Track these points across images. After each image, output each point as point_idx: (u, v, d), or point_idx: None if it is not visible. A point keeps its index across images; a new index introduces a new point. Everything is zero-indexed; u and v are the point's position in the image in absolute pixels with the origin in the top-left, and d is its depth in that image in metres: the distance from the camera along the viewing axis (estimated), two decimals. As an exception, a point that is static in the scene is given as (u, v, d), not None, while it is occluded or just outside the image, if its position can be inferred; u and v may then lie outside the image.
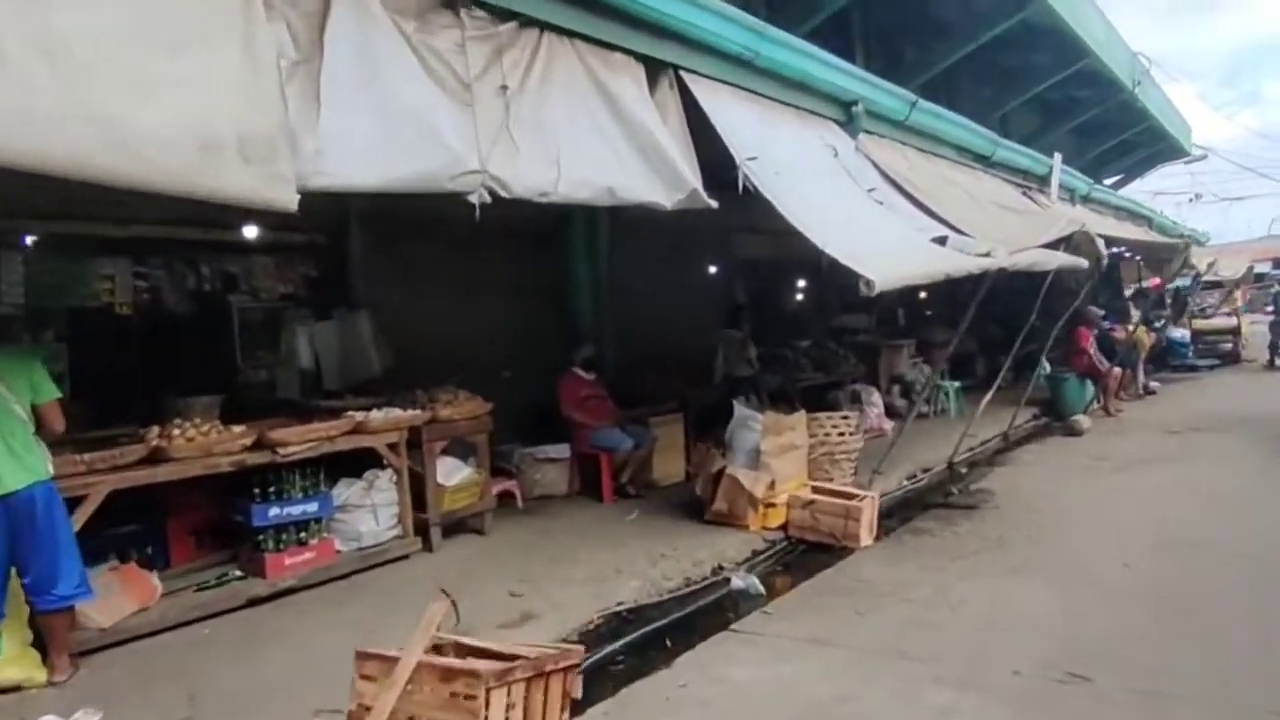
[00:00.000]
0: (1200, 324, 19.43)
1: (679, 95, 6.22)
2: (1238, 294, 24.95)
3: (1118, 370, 13.13)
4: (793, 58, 7.16)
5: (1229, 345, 18.95)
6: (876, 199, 7.31)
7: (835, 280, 13.71)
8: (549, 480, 8.36)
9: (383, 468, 6.34)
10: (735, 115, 6.52)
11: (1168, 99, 23.31)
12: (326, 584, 5.83)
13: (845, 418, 7.74)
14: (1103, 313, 13.59)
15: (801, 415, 7.28)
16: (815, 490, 7.12)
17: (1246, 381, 15.86)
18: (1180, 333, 18.22)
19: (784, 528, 6.94)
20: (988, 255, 6.80)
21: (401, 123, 4.35)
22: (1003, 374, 10.41)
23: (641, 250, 10.26)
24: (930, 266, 6.30)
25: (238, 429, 5.53)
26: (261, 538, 5.63)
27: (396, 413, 6.42)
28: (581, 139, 5.36)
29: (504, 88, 4.94)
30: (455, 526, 6.89)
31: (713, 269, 12.01)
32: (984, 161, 11.08)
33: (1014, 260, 7.05)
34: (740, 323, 10.77)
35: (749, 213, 6.43)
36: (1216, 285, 20.78)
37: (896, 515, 7.71)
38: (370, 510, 6.20)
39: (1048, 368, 13.69)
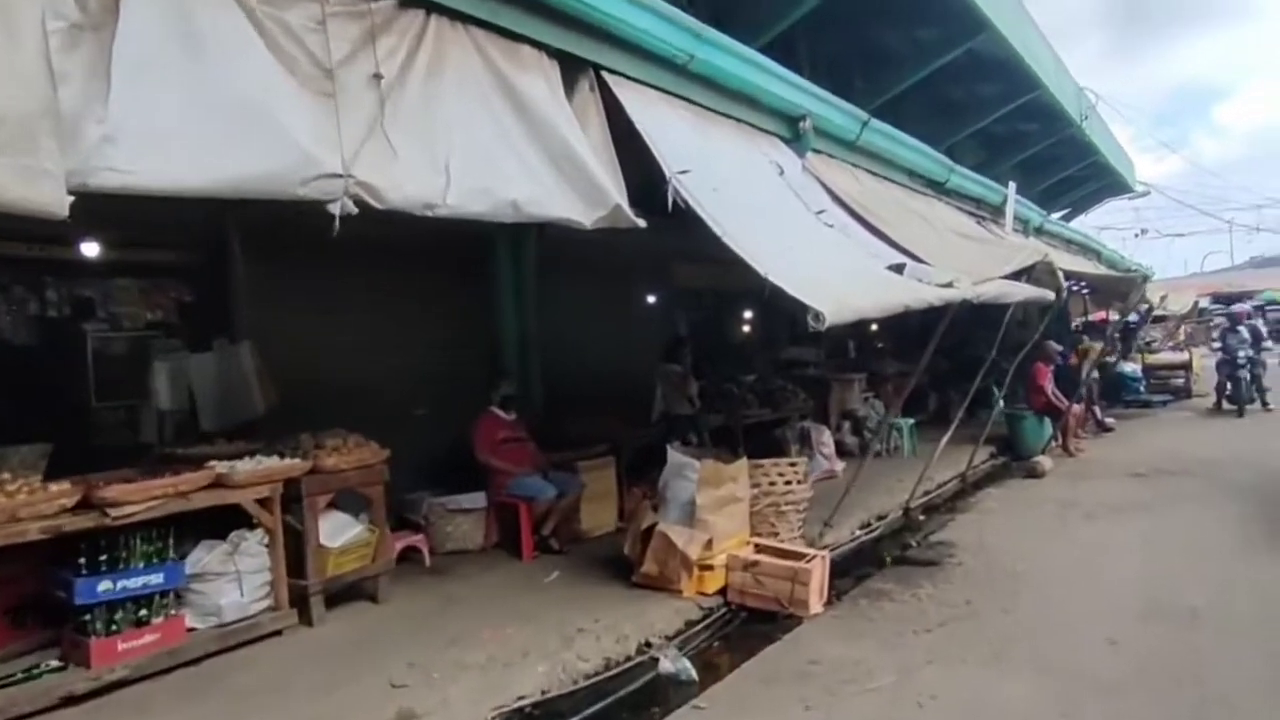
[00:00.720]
0: (1152, 359, 18.94)
1: (601, 99, 5.36)
2: (1182, 329, 24.75)
3: (1077, 408, 12.45)
4: (733, 64, 6.33)
5: (1180, 380, 18.45)
6: (826, 222, 6.49)
7: (782, 310, 13.01)
8: (462, 533, 7.36)
9: (252, 527, 5.30)
10: (666, 124, 5.67)
11: (1112, 135, 23.14)
12: (174, 671, 4.77)
13: (793, 464, 6.84)
14: (1060, 348, 12.91)
15: (743, 464, 6.37)
16: (759, 549, 6.21)
17: (1202, 419, 15.25)
18: (1131, 367, 17.68)
19: (723, 592, 6.01)
20: (950, 286, 5.99)
21: (232, 111, 3.42)
22: (962, 410, 9.63)
23: (574, 278, 9.36)
24: (887, 298, 5.46)
25: (57, 486, 4.48)
26: (88, 618, 4.57)
27: (270, 462, 5.40)
28: (479, 144, 4.46)
29: (377, 77, 4.02)
30: (344, 593, 5.86)
31: (652, 299, 11.10)
32: (937, 188, 10.38)
33: (979, 292, 6.25)
34: (681, 357, 9.87)
35: (690, 239, 5.57)
36: (1160, 320, 20.40)
37: (850, 573, 6.84)
38: (234, 579, 5.16)
39: (1001, 403, 13.01)
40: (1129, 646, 4.93)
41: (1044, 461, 10.57)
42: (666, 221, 5.26)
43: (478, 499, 7.39)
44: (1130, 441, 12.72)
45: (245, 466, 5.25)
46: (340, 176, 3.69)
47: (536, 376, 8.87)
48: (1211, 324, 36.09)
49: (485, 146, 4.48)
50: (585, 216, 4.93)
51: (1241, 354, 15.05)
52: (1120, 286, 11.62)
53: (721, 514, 6.06)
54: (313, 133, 3.65)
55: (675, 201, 5.17)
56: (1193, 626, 5.20)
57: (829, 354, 13.83)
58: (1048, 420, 12.07)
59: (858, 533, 8.00)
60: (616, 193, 5.06)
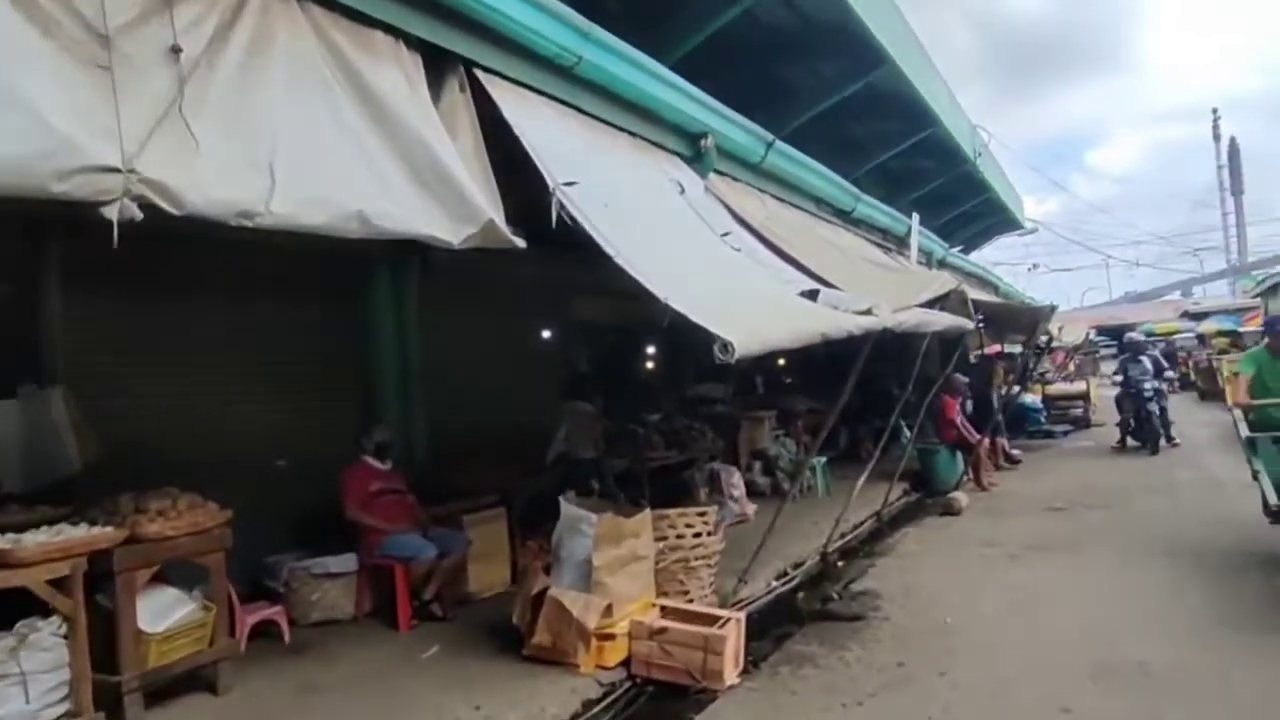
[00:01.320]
0: (1052, 389, 18.98)
1: (473, 101, 4.58)
2: (1071, 361, 25.15)
3: (988, 441, 12.10)
4: (627, 70, 5.65)
5: (1080, 410, 18.50)
6: (732, 245, 5.83)
7: (689, 345, 12.37)
8: (330, 601, 6.36)
9: (47, 615, 4.26)
10: (551, 132, 4.94)
11: (1003, 173, 23.51)
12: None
13: (702, 514, 6.08)
14: (966, 380, 12.58)
15: (646, 516, 5.58)
16: (666, 612, 5.42)
17: (1106, 450, 15.10)
18: (1032, 398, 17.61)
19: (627, 664, 5.19)
20: (869, 313, 5.37)
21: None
22: (879, 448, 9.07)
23: (463, 310, 8.51)
24: (803, 326, 4.80)
25: None
26: None
27: (72, 532, 4.37)
28: (316, 143, 3.63)
29: (175, 51, 3.16)
30: (174, 686, 4.83)
31: (550, 334, 10.27)
32: (844, 217, 9.94)
33: (899, 320, 5.66)
34: (588, 394, 9.08)
35: (589, 269, 4.83)
36: (1050, 352, 20.55)
37: (769, 632, 6.12)
38: (18, 681, 4.09)
39: (907, 435, 12.60)
40: (1082, 714, 4.29)
41: (960, 498, 10.10)
42: (561, 249, 4.52)
43: (348, 561, 6.41)
44: (1040, 474, 12.42)
45: (36, 539, 4.21)
46: (117, 171, 2.82)
47: (420, 420, 7.94)
48: (1099, 355, 37.24)
49: (324, 146, 3.65)
50: (452, 234, 4.12)
51: (1147, 385, 13.89)
52: (1025, 318, 11.38)
53: (622, 574, 5.26)
54: (76, 113, 2.79)
55: (561, 218, 4.40)
56: (1150, 688, 4.61)
57: (737, 391, 13.21)
58: (959, 454, 11.67)
59: (774, 584, 7.29)
60: (490, 207, 4.27)
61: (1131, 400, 14.25)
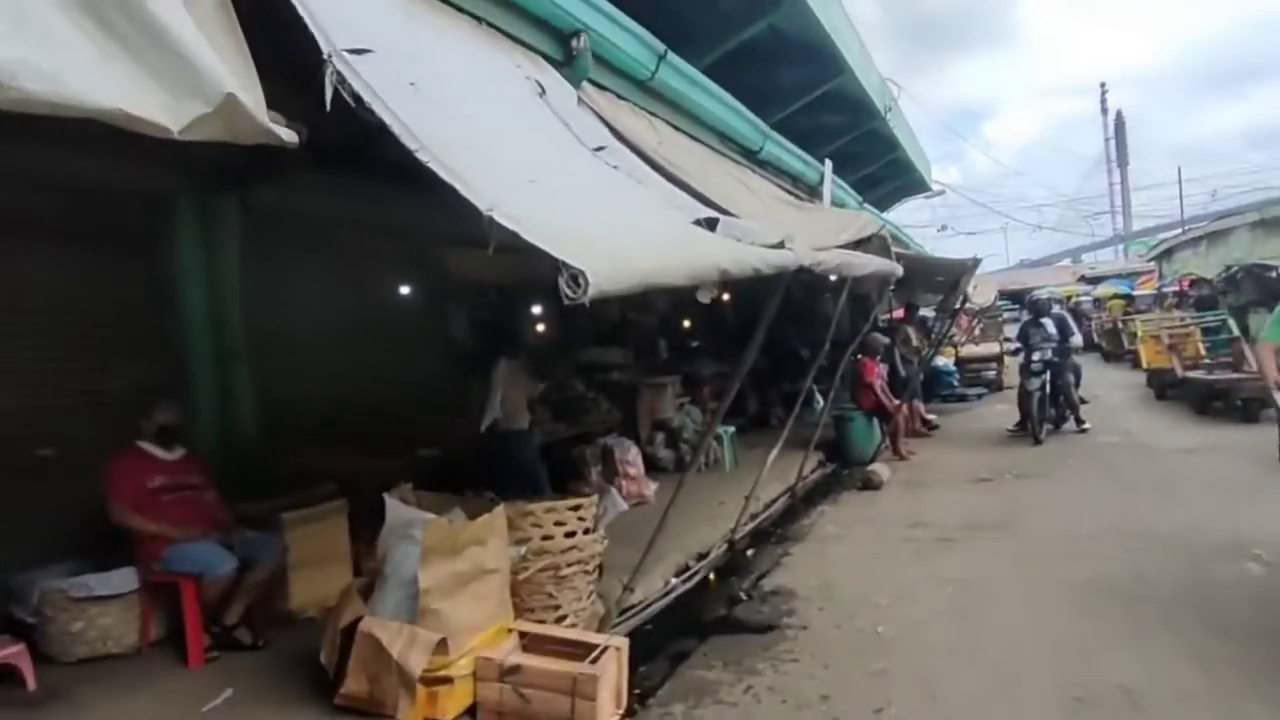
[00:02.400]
0: (965, 352, 18.24)
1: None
2: (977, 324, 24.66)
3: (905, 407, 11.07)
4: (465, -73, 4.18)
5: (993, 373, 17.80)
6: (609, 162, 4.45)
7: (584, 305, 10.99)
8: (101, 631, 4.83)
9: None
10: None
11: (912, 132, 22.68)
12: None
13: (576, 507, 4.74)
14: (888, 340, 11.53)
15: (496, 515, 4.19)
16: (526, 641, 4.08)
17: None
18: (944, 361, 16.79)
19: (473, 712, 3.85)
20: (781, 247, 4.08)
21: None
22: (793, 416, 7.88)
23: (301, 264, 6.96)
24: (696, 259, 3.47)
25: None
26: None
27: None
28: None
29: None
30: None
31: (416, 294, 8.74)
32: (751, 157, 8.65)
33: (819, 259, 4.40)
34: (517, 350, 7.63)
35: (462, 217, 3.44)
36: (955, 314, 19.84)
37: (662, 649, 4.87)
38: None
39: (820, 400, 11.52)
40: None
41: (880, 470, 9.00)
42: (422, 191, 3.08)
43: (125, 579, 4.89)
44: (959, 440, 11.48)
45: None
46: None
47: (243, 395, 6.39)
48: (1001, 319, 37.23)
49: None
50: (168, 115, 2.62)
51: (1038, 356, 10.80)
52: (948, 273, 10.34)
53: (463, 596, 3.89)
54: None
55: (344, 95, 2.95)
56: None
57: (638, 355, 11.89)
58: (876, 421, 10.63)
59: (673, 582, 6.04)
60: (232, 78, 2.78)
61: (1029, 374, 11.05)
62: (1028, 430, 10.78)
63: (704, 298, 10.19)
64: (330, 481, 6.06)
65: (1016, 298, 41.04)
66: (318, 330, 7.12)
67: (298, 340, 6.95)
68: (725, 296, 14.54)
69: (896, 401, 10.61)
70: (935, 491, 8.33)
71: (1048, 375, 10.72)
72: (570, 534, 4.66)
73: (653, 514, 7.53)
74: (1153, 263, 35.31)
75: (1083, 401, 11.59)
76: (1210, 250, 25.33)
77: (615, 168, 4.42)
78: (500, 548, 4.13)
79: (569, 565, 4.63)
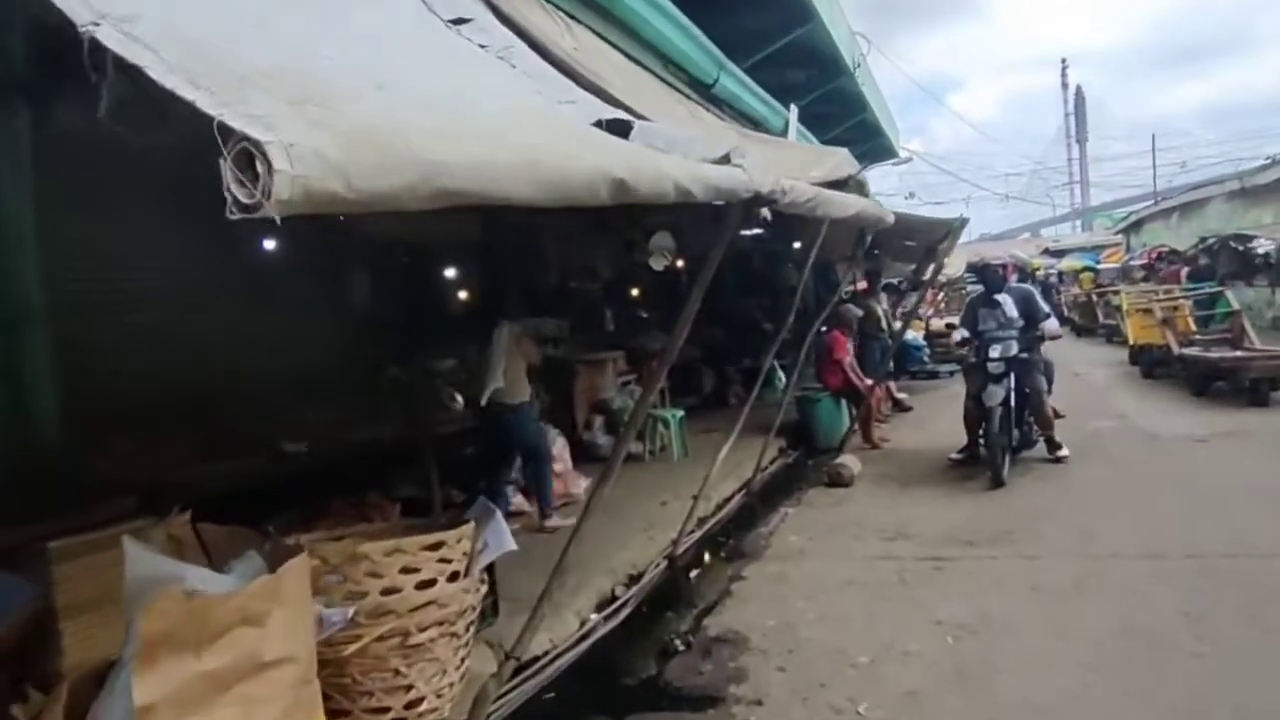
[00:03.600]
0: (935, 326, 16.98)
1: None
2: (943, 298, 23.48)
3: (878, 388, 9.75)
4: None
5: (965, 348, 16.54)
6: (473, 40, 2.95)
7: (520, 267, 9.52)
8: None
9: None
10: None
11: (880, 93, 21.31)
12: None
13: (437, 545, 3.27)
14: (861, 312, 10.17)
15: (287, 573, 2.71)
16: (331, 763, 2.64)
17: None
18: (914, 335, 15.47)
19: None
20: (728, 162, 2.64)
21: None
22: (753, 396, 6.53)
23: (127, 207, 5.37)
24: (566, 160, 1.99)
25: None
26: None
27: None
28: None
29: None
30: None
31: (300, 253, 7.13)
32: (702, 92, 7.17)
33: (785, 187, 2.97)
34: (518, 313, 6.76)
35: None
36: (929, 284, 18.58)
37: (560, 736, 3.44)
38: None
39: (782, 378, 10.19)
40: None
41: (850, 463, 7.63)
42: None
43: None
44: (934, 424, 10.12)
45: None
46: None
47: (40, 375, 4.82)
48: (966, 291, 36.08)
49: None
50: None
51: (997, 352, 7.22)
52: (932, 233, 8.98)
53: (219, 710, 2.43)
54: None
55: None
56: None
57: (579, 328, 10.40)
58: (845, 403, 9.29)
59: (592, 619, 4.64)
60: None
61: (978, 378, 7.44)
62: (979, 459, 7.43)
63: (656, 264, 8.63)
64: (152, 490, 4.57)
65: (979, 271, 40.08)
66: (152, 291, 5.58)
67: (123, 302, 5.41)
68: (680, 263, 13.13)
69: (869, 381, 9.28)
70: (915, 490, 6.99)
71: (1011, 380, 7.12)
72: (426, 584, 3.21)
73: (570, 534, 6.18)
74: (1119, 235, 34.48)
75: (1058, 416, 7.75)
76: (1182, 222, 24.40)
77: (483, 47, 2.95)
78: (294, 622, 2.66)
79: (424, 628, 3.19)
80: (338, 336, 7.23)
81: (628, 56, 5.79)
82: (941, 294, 22.57)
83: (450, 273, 8.89)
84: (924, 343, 15.80)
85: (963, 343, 8.00)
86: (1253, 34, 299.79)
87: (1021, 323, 7.27)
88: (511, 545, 3.52)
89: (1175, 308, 12.18)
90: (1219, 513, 5.58)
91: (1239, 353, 9.88)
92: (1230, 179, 21.18)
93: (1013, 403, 7.17)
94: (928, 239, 9.48)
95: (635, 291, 11.96)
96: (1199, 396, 10.10)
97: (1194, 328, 11.83)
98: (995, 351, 7.13)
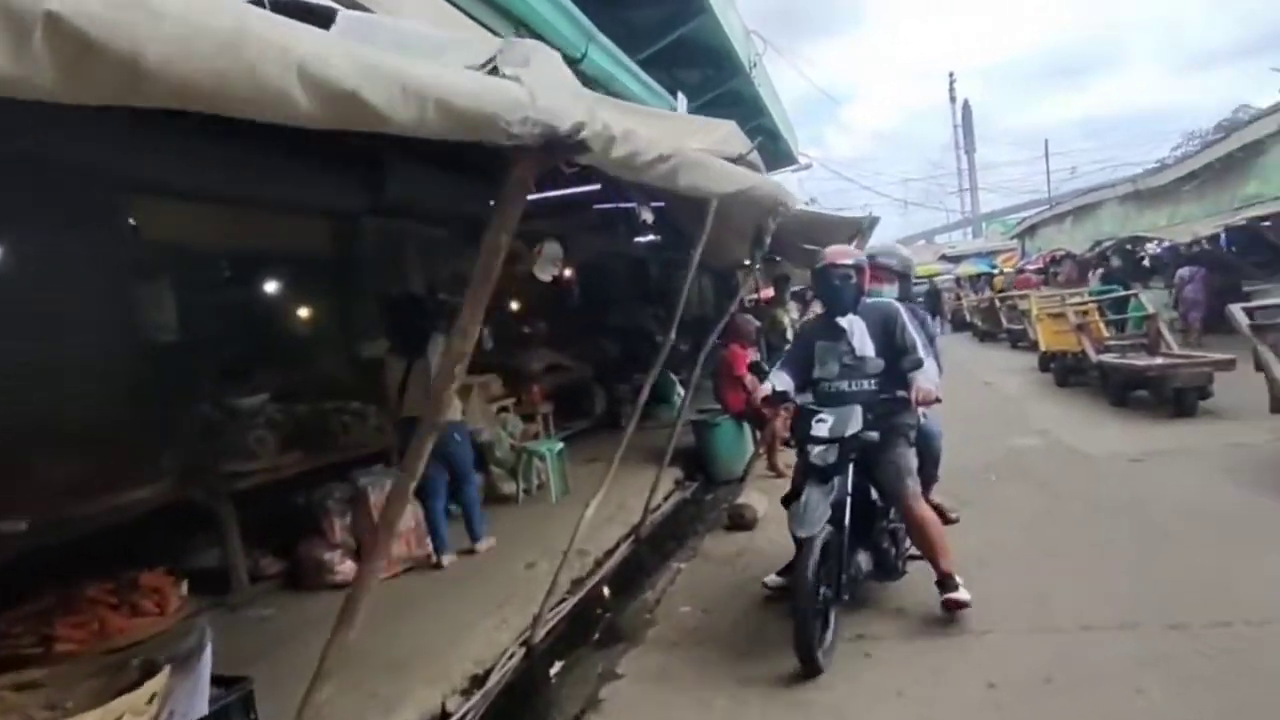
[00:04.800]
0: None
1: None
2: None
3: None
4: None
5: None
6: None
7: (369, 283, 8.14)
8: None
9: None
10: None
11: (778, 96, 20.55)
12: None
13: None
14: (759, 324, 9.12)
15: None
16: None
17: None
18: (820, 344, 14.56)
19: None
20: (495, 73, 1.42)
21: None
22: (633, 422, 5.36)
23: None
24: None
25: None
26: None
27: None
28: None
29: None
30: None
31: (92, 260, 5.58)
32: (569, 67, 5.96)
33: (611, 132, 1.78)
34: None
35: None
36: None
37: None
38: None
39: (680, 393, 9.07)
40: None
41: (753, 503, 6.46)
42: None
43: None
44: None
45: None
46: None
47: None
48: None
49: None
50: None
51: (823, 429, 4.03)
52: (841, 232, 8.01)
53: None
54: None
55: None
56: None
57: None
58: (747, 427, 8.22)
59: (403, 757, 3.36)
60: None
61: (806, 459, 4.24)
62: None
63: (544, 275, 7.23)
64: None
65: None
66: None
67: None
68: (568, 273, 11.91)
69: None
70: None
71: (847, 481, 4.04)
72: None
73: (428, 589, 4.93)
74: (1014, 240, 34.83)
75: (949, 520, 5.15)
76: (1076, 226, 24.46)
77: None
78: None
79: None
80: (122, 367, 5.74)
81: (470, 16, 4.54)
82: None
83: (286, 288, 7.44)
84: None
85: (775, 400, 4.38)
86: (1125, 52, 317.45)
87: (880, 365, 4.16)
88: (203, 710, 2.24)
89: (1086, 312, 11.56)
90: (1187, 557, 4.63)
91: (1161, 360, 9.19)
92: (1123, 182, 21.19)
93: (847, 519, 4.00)
94: (834, 240, 8.52)
95: (516, 305, 10.67)
96: (1119, 407, 9.38)
97: (1107, 333, 11.23)
98: (821, 427, 3.99)
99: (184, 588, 4.98)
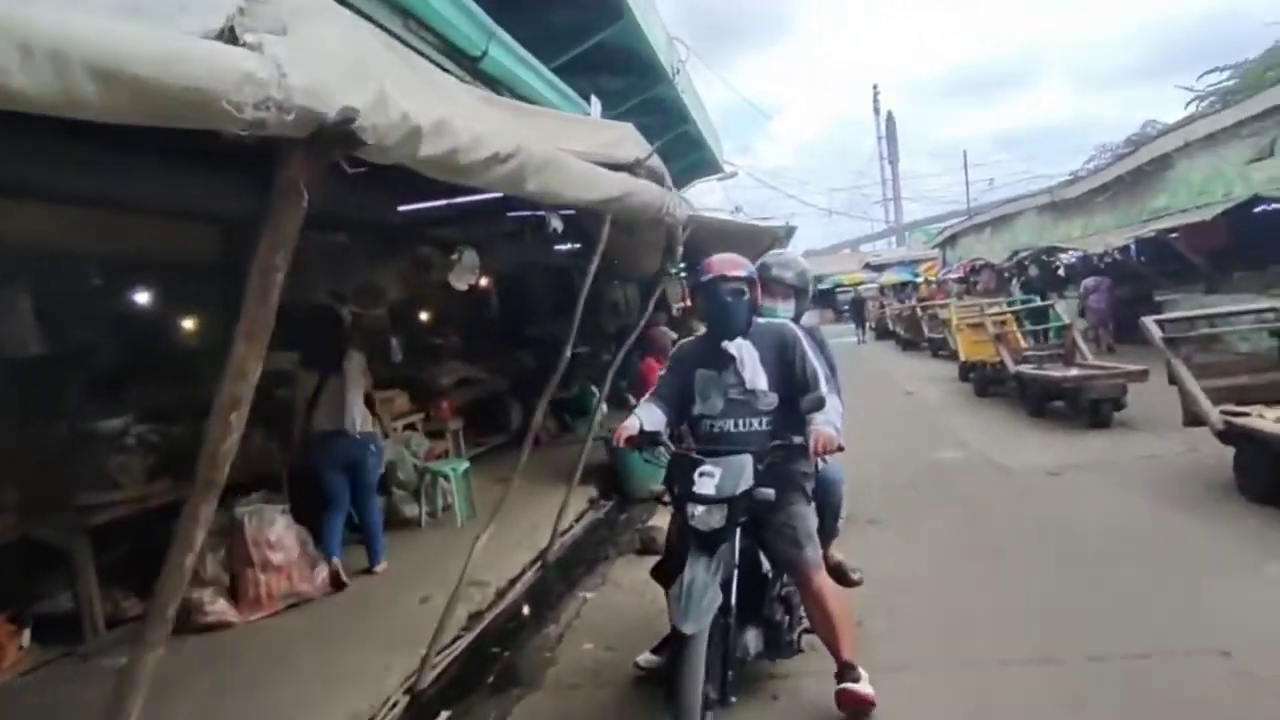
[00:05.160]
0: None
1: None
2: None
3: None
4: None
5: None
6: None
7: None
8: None
9: None
10: None
11: (702, 104, 20.41)
12: None
13: None
14: (675, 336, 8.84)
15: None
16: None
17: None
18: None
19: None
20: (235, 41, 1.08)
21: None
22: (529, 438, 5.00)
23: None
24: None
25: None
26: None
27: None
28: None
29: None
30: None
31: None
32: (468, 66, 5.59)
33: (416, 122, 1.45)
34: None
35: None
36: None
37: None
38: None
39: (604, 411, 8.74)
40: None
41: (667, 524, 6.18)
42: None
43: None
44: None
45: None
46: None
47: None
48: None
49: None
50: None
51: (708, 487, 3.18)
52: (759, 241, 7.81)
53: None
54: None
55: None
56: None
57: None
58: (665, 443, 7.91)
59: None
60: None
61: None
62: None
63: (460, 283, 6.74)
64: None
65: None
66: None
67: None
68: (484, 282, 11.47)
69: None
70: None
71: (734, 549, 3.22)
72: None
73: (302, 633, 4.52)
74: (935, 250, 35.43)
75: (849, 581, 4.37)
76: (995, 235, 24.90)
77: None
78: None
79: None
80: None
81: (358, 11, 4.14)
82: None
83: (166, 297, 6.89)
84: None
85: (643, 441, 3.46)
86: (1037, 69, 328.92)
87: (774, 400, 3.45)
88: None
89: (1005, 322, 11.61)
90: (1104, 581, 4.47)
91: (1077, 371, 9.21)
92: (1040, 193, 21.62)
93: (732, 594, 3.17)
94: (752, 250, 8.32)
95: (426, 315, 10.21)
96: (1036, 417, 9.38)
97: (1025, 343, 11.28)
98: (706, 483, 3.20)
99: (25, 636, 4.48)
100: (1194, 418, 6.05)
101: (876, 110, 63.52)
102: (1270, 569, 4.38)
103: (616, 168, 3.36)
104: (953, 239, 31.28)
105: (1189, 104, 17.36)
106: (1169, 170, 15.39)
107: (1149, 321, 6.54)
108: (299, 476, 6.08)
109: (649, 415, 3.52)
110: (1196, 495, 5.83)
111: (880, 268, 38.60)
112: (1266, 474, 5.40)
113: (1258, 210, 13.16)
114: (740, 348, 3.47)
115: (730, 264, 3.53)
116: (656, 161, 3.81)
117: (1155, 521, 5.42)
